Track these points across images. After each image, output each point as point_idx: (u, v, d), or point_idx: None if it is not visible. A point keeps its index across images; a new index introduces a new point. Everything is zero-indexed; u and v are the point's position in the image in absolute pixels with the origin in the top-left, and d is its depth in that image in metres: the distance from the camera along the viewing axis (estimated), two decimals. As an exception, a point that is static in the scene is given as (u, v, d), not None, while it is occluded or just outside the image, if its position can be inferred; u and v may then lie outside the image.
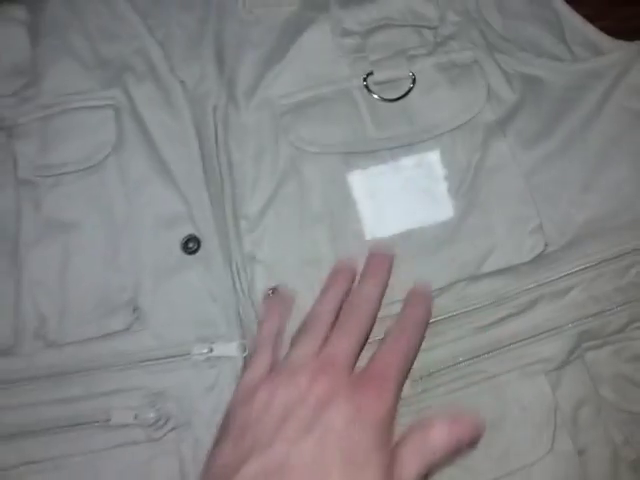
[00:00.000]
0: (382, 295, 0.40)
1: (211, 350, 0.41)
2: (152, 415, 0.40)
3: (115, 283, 0.42)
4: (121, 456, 0.39)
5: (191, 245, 0.43)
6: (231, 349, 0.41)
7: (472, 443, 0.35)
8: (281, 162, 0.44)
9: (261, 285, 0.42)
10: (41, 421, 0.40)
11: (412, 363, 0.39)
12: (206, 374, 0.41)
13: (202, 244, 0.43)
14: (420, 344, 0.39)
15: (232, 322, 0.42)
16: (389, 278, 0.41)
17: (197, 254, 0.43)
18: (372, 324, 0.39)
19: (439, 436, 0.34)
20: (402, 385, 0.37)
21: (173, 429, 0.40)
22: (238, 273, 0.43)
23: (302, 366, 0.36)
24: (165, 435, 0.40)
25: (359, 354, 0.37)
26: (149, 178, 0.44)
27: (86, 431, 0.40)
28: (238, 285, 0.43)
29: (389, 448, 0.33)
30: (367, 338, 0.39)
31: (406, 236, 0.42)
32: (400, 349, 0.37)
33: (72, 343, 0.41)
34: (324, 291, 0.40)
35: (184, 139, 0.44)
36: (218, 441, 0.35)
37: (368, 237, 0.43)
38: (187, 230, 0.43)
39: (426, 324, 0.40)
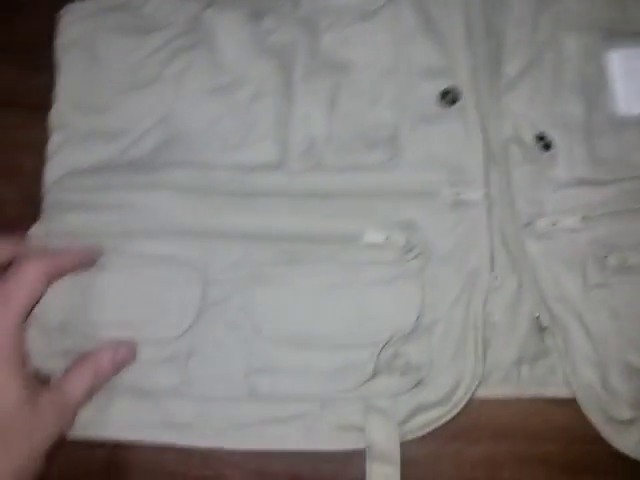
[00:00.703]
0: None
1: (458, 194, 0.45)
2: (401, 239, 0.44)
3: (377, 120, 0.46)
4: (370, 272, 0.43)
5: (450, 97, 0.46)
6: (477, 196, 0.45)
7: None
8: (541, 32, 0.47)
9: (510, 135, 0.45)
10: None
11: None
12: (450, 216, 0.45)
13: (460, 97, 0.46)
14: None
15: (480, 172, 0.45)
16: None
17: (455, 105, 0.46)
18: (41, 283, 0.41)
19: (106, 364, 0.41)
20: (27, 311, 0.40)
21: (417, 256, 0.44)
22: (489, 127, 0.46)
23: None
24: (409, 262, 0.44)
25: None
26: (416, 31, 0.47)
27: (340, 245, 0.44)
28: (491, 136, 0.46)
29: (21, 364, 0.38)
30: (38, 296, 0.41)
31: None
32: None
33: (334, 168, 0.45)
34: None
35: (451, 0, 0.47)
36: None
37: (620, 113, 0.45)
38: (447, 82, 0.46)
39: None
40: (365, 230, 0.44)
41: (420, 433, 0.42)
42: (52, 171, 0.46)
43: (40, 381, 0.40)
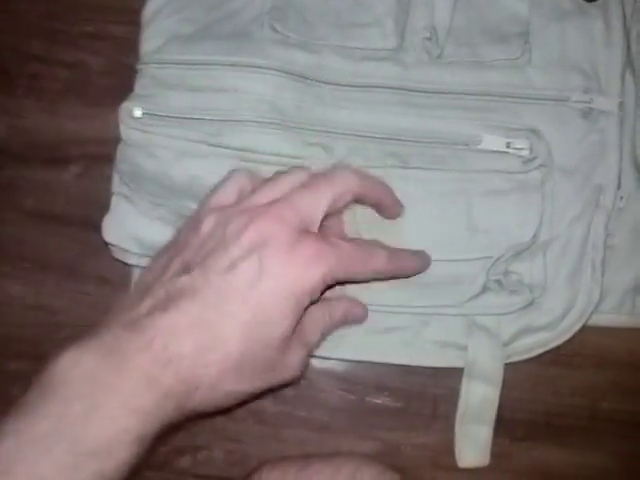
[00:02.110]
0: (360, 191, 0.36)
1: (590, 102, 0.40)
2: (524, 146, 0.39)
3: (507, 12, 0.41)
4: (486, 181, 0.40)
5: (592, -10, 0.40)
6: (611, 106, 0.40)
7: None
8: None
9: None
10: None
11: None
12: (579, 125, 0.40)
13: None
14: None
15: (617, 79, 0.40)
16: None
17: (596, 2, 0.40)
18: (347, 197, 0.35)
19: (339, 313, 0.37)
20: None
21: (540, 167, 0.40)
22: (631, 30, 0.41)
23: (257, 206, 0.34)
24: (531, 171, 0.40)
25: (326, 212, 0.34)
26: None
27: (455, 149, 0.40)
28: (631, 41, 0.41)
29: (301, 312, 0.33)
30: (339, 207, 0.35)
31: None
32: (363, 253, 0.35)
33: (455, 63, 0.41)
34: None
35: None
36: (157, 256, 0.35)
37: None
38: None
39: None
40: (483, 134, 0.40)
41: (525, 356, 0.40)
42: (148, 40, 0.42)
43: None
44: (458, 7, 0.41)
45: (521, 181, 0.40)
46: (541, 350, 0.40)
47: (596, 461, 0.41)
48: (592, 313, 0.40)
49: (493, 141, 0.40)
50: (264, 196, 0.34)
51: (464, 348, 0.40)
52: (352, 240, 0.37)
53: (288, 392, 0.43)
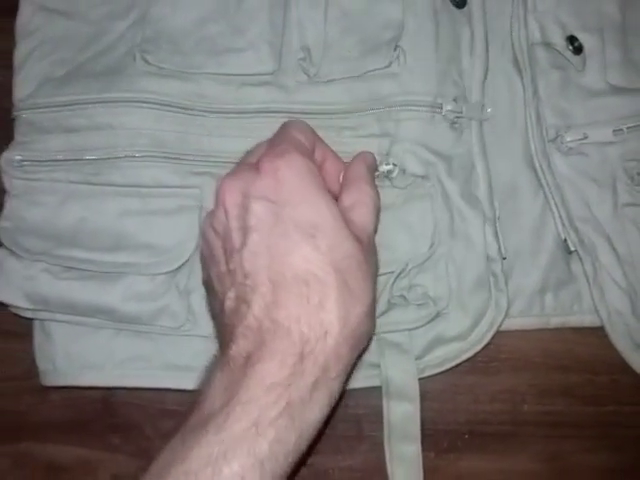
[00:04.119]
0: None
1: (461, 110, 0.40)
2: (416, 167, 0.39)
3: (383, 19, 0.40)
4: (382, 197, 0.38)
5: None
6: (476, 112, 0.40)
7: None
8: None
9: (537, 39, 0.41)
10: None
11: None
12: (453, 134, 0.40)
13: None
14: None
15: (479, 89, 0.41)
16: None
17: (463, 9, 0.41)
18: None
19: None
20: None
21: (427, 179, 0.40)
22: (512, 30, 0.41)
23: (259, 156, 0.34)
24: (419, 186, 0.40)
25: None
26: None
27: None
28: (514, 40, 0.41)
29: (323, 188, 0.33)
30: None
31: None
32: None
33: (333, 81, 0.40)
34: None
35: None
36: (206, 288, 0.36)
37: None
38: None
39: None
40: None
41: (439, 369, 0.40)
42: (21, 85, 0.40)
43: None
44: (331, 19, 0.40)
45: (412, 195, 0.39)
46: (456, 361, 0.39)
47: (521, 464, 0.41)
48: (503, 320, 0.40)
49: (383, 167, 0.39)
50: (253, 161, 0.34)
51: (378, 366, 0.39)
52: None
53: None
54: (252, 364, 0.30)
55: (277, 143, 0.34)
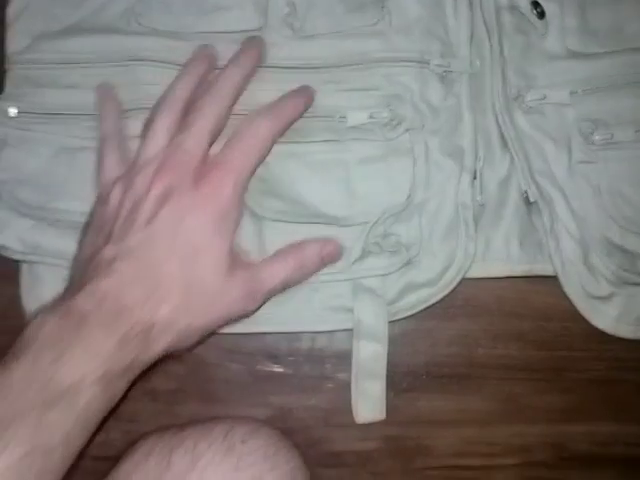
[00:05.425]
0: (244, 82, 0.40)
1: (449, 65, 0.42)
2: (385, 115, 0.41)
3: None
4: (358, 150, 0.41)
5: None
6: (464, 66, 0.42)
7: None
8: None
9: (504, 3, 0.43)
10: None
11: (263, 157, 0.39)
12: (440, 88, 0.42)
13: None
14: (277, 135, 0.39)
15: (466, 46, 0.43)
16: (255, 68, 0.40)
17: None
18: (228, 109, 0.39)
19: (312, 254, 0.39)
20: (247, 176, 0.38)
21: (407, 131, 0.42)
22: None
23: (149, 162, 0.37)
24: (399, 137, 0.41)
25: (211, 140, 0.38)
26: None
27: (330, 123, 0.41)
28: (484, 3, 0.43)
29: (230, 235, 0.37)
30: (222, 124, 0.39)
31: None
32: (249, 142, 0.38)
33: (318, 36, 0.42)
34: (179, 76, 0.40)
35: None
36: (83, 235, 0.38)
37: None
38: None
39: (292, 117, 0.40)
40: (347, 111, 0.41)
41: (410, 312, 0.42)
42: (14, 39, 0.42)
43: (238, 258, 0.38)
44: None
45: (392, 147, 0.41)
46: (425, 304, 0.42)
47: (476, 405, 0.44)
48: (470, 266, 0.42)
49: (356, 116, 0.41)
50: (150, 150, 0.37)
51: (352, 310, 0.41)
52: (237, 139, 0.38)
53: (179, 369, 0.43)
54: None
55: (238, 151, 0.37)
